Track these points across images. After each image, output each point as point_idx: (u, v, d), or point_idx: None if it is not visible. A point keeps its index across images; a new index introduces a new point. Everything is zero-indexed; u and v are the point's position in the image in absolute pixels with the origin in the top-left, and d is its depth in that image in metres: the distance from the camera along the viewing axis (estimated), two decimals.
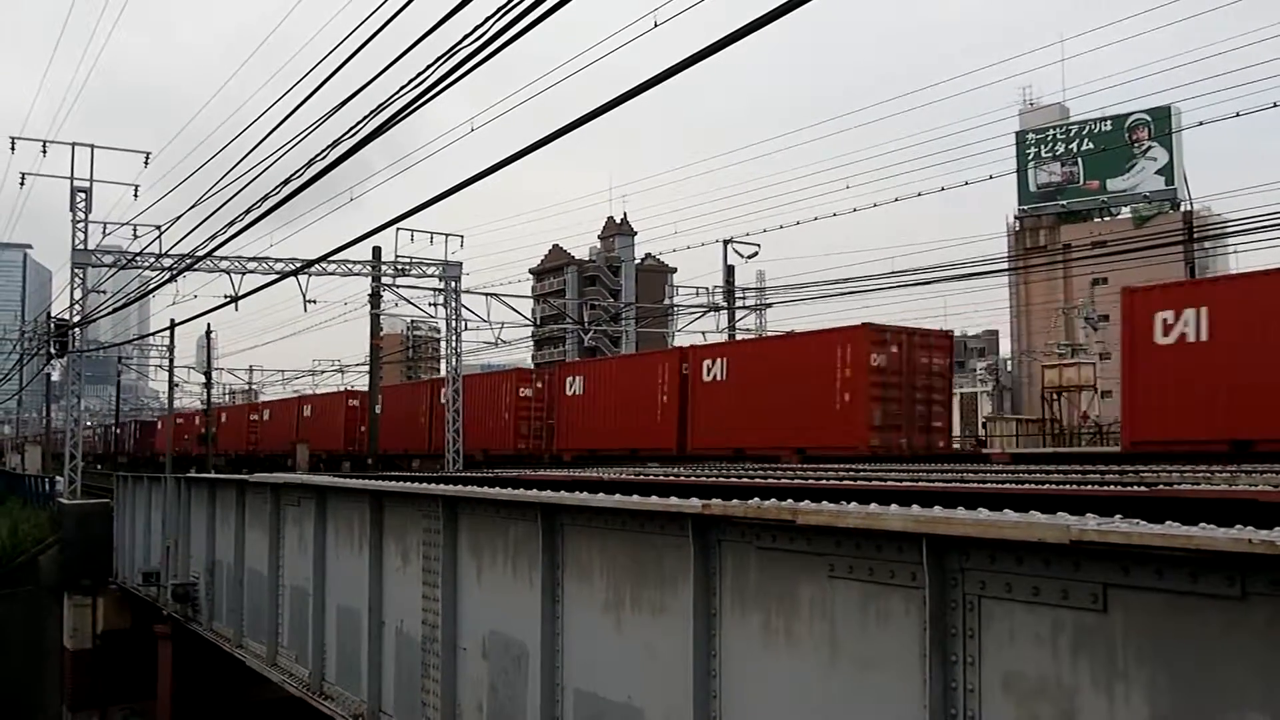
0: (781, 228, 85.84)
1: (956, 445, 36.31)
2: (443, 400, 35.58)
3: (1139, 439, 17.76)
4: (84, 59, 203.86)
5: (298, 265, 28.51)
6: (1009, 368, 73.03)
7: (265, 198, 15.76)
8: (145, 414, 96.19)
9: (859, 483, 9.53)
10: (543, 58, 13.81)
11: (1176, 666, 3.57)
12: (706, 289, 42.12)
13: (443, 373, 42.75)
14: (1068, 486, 8.46)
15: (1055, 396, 42.99)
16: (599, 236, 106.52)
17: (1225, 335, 16.55)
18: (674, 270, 78.37)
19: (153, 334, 60.97)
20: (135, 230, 31.42)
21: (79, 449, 30.17)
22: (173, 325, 41.41)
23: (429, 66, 9.67)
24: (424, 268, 32.21)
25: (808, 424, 22.30)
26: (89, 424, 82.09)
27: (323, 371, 75.44)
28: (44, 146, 31.27)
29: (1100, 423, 40.16)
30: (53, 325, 33.50)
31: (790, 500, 5.10)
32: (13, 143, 31.66)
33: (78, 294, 30.19)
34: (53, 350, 34.21)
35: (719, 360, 25.51)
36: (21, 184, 33.94)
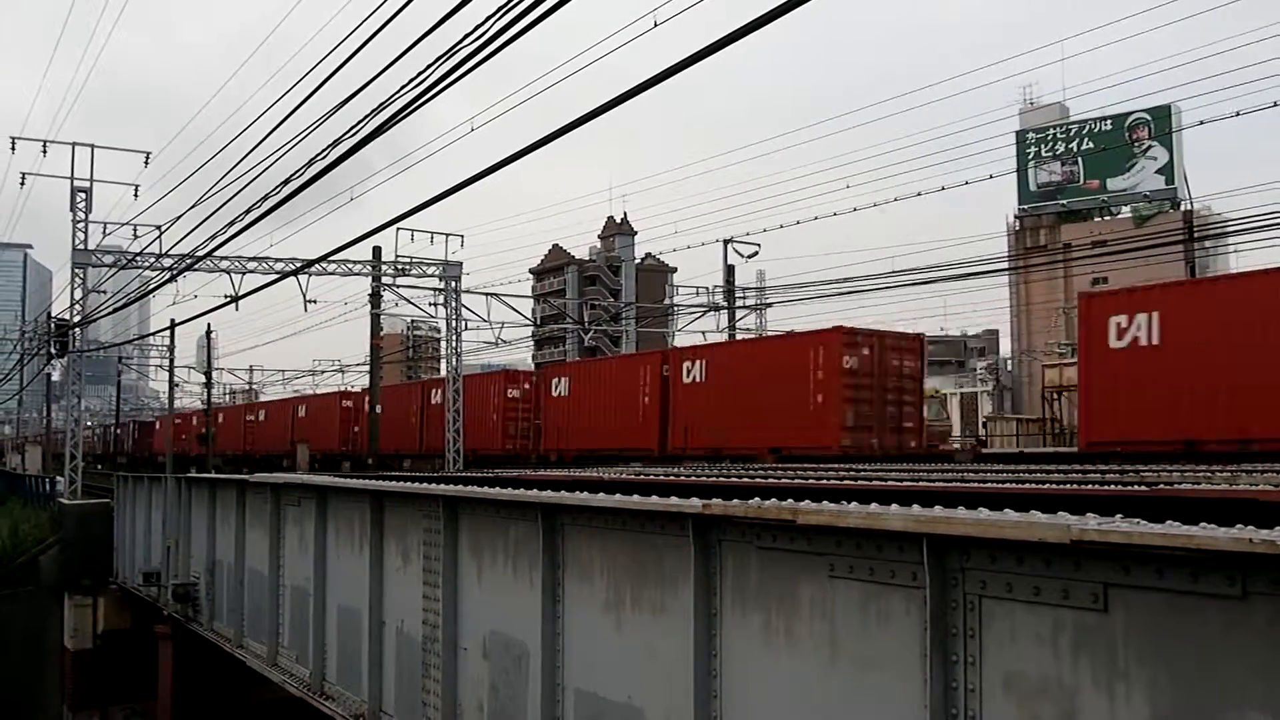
0: (781, 227, 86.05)
1: (956, 445, 36.47)
2: (434, 401, 36.51)
3: (1095, 439, 18.52)
4: (84, 59, 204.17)
5: (298, 265, 28.51)
6: (1009, 367, 72.94)
7: (265, 197, 15.76)
8: (145, 414, 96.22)
9: (859, 482, 9.53)
10: (543, 58, 13.83)
11: (1177, 666, 3.57)
12: (707, 289, 42.18)
13: (443, 373, 42.77)
14: (1068, 486, 8.47)
15: (1055, 396, 42.92)
16: (599, 236, 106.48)
17: (1175, 339, 17.26)
18: (674, 270, 78.32)
19: (153, 334, 60.99)
20: (135, 230, 31.50)
21: (79, 449, 30.17)
22: (173, 325, 41.41)
23: (429, 66, 9.67)
24: (424, 268, 32.21)
25: (783, 424, 22.91)
26: (89, 424, 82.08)
27: (323, 371, 75.53)
28: (44, 146, 31.30)
29: None
30: (53, 325, 33.50)
31: (790, 500, 5.10)
32: (13, 143, 31.69)
33: (78, 294, 30.20)
34: (53, 350, 34.22)
35: (698, 362, 26.17)
36: (22, 184, 34.03)
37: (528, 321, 42.10)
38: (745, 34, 7.00)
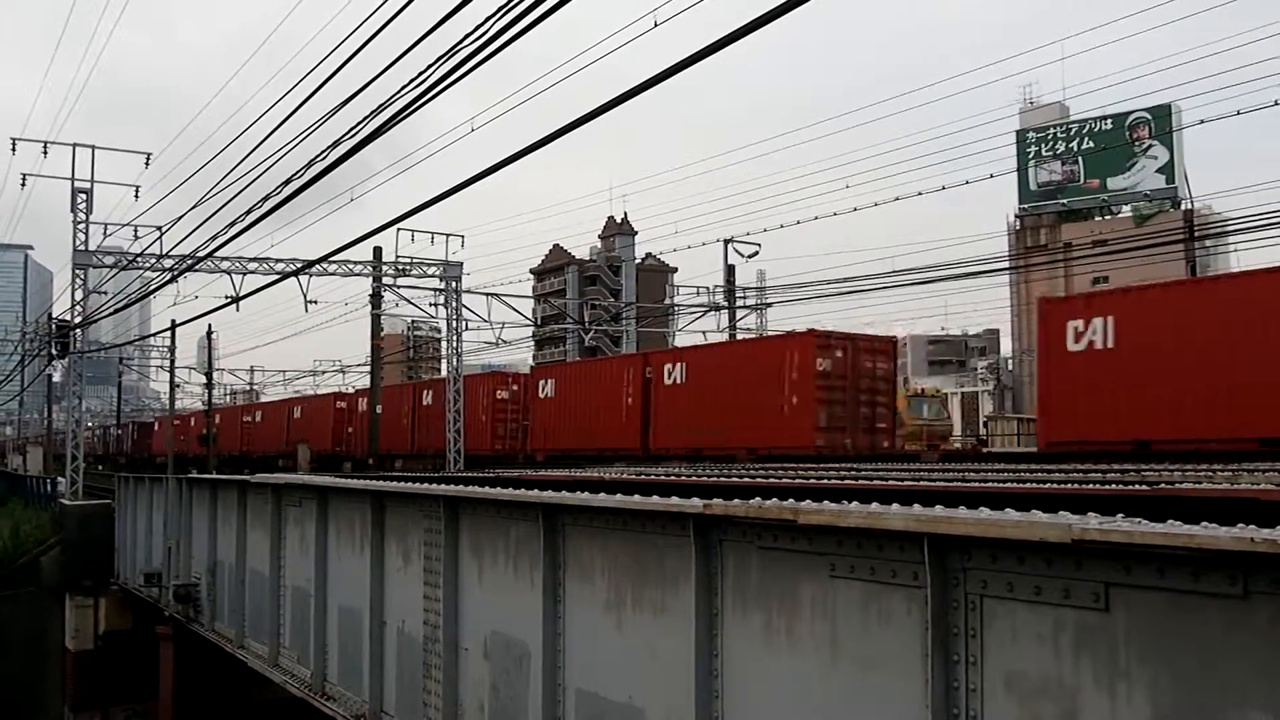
0: (781, 227, 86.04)
1: (956, 445, 36.59)
2: (425, 402, 37.37)
3: (1054, 440, 19.02)
4: (85, 59, 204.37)
5: (298, 266, 28.49)
6: (1010, 367, 72.93)
7: (266, 198, 15.76)
8: (146, 415, 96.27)
9: (860, 482, 9.53)
10: (543, 58, 13.82)
11: (1178, 665, 3.57)
12: (707, 289, 42.19)
13: (443, 373, 42.78)
14: (1069, 485, 8.46)
15: None
16: (599, 236, 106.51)
17: (1128, 343, 17.73)
18: (674, 270, 78.25)
19: (154, 335, 61.04)
20: (136, 231, 31.45)
21: (80, 450, 30.17)
22: (174, 326, 41.36)
23: (429, 66, 9.67)
24: (424, 268, 32.19)
25: (759, 425, 23.38)
26: (89, 425, 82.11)
27: (324, 372, 75.51)
28: (45, 147, 31.26)
29: None
30: (54, 326, 33.50)
31: (791, 500, 5.10)
32: (13, 144, 31.67)
33: (79, 295, 30.20)
34: (54, 351, 34.23)
35: (678, 365, 26.82)
36: (23, 185, 33.94)
37: (528, 322, 42.09)
38: (745, 34, 7.00)
